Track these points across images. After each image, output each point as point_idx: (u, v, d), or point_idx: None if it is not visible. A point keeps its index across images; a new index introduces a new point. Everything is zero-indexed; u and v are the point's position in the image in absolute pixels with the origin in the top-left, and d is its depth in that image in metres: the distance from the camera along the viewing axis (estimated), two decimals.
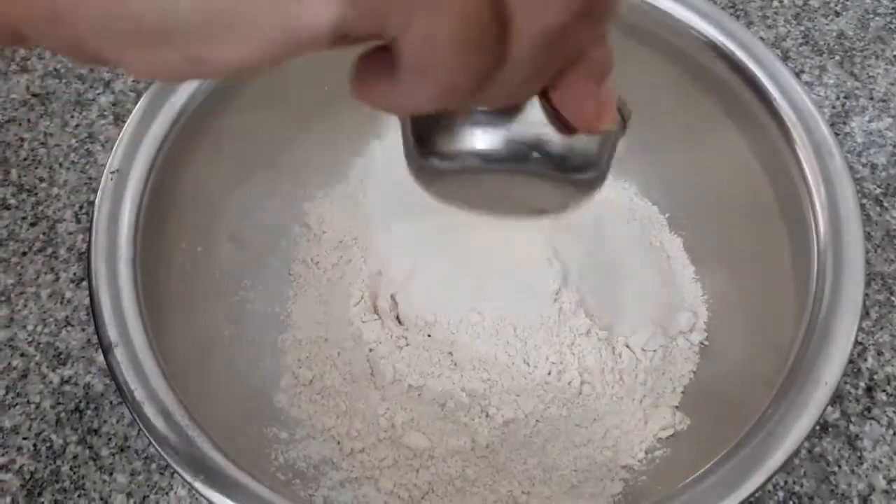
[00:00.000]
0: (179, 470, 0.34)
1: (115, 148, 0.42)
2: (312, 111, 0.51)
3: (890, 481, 0.47)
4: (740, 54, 0.45)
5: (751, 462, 0.34)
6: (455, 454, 0.43)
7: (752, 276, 0.46)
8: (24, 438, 0.48)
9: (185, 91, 0.44)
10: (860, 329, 0.37)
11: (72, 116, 0.59)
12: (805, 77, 0.61)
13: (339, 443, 0.45)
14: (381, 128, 0.54)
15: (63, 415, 0.48)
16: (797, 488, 0.46)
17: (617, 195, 0.51)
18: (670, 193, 0.51)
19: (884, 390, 0.49)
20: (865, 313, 0.48)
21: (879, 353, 0.50)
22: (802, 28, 0.64)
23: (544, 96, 0.25)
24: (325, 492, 0.42)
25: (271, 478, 0.39)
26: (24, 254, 0.53)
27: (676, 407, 0.45)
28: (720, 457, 0.35)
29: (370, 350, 0.46)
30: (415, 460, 0.43)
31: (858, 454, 0.47)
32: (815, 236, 0.40)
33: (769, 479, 0.33)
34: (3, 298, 0.52)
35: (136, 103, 0.44)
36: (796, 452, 0.34)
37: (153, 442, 0.35)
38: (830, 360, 0.36)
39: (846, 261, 0.39)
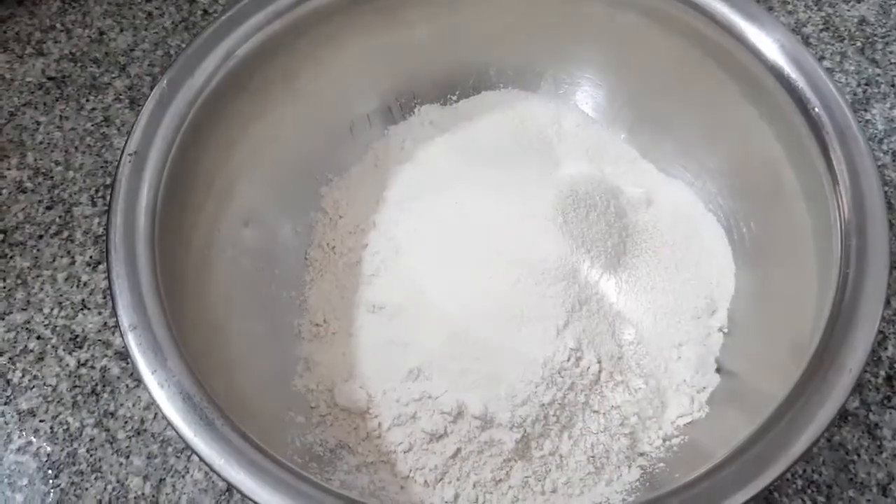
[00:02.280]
0: (197, 452, 0.34)
1: (132, 130, 0.42)
2: (326, 95, 0.51)
3: None
4: (763, 39, 0.44)
5: (773, 449, 0.33)
6: (471, 439, 0.43)
7: (775, 263, 0.46)
8: (41, 421, 0.48)
9: (201, 74, 0.44)
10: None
11: (87, 100, 0.59)
12: (825, 63, 0.60)
13: (355, 427, 0.44)
14: (396, 111, 0.54)
15: (80, 398, 0.48)
16: (816, 477, 0.46)
17: (640, 178, 0.51)
18: (692, 179, 0.51)
19: None
20: (886, 301, 0.47)
21: None
22: (823, 14, 0.63)
23: None
24: (342, 476, 0.42)
25: (288, 461, 0.39)
26: (41, 237, 0.53)
27: (695, 394, 0.44)
28: (741, 444, 0.34)
29: (385, 335, 0.46)
30: (431, 445, 0.43)
31: (878, 443, 0.47)
32: (838, 223, 0.39)
33: (791, 467, 0.33)
34: (19, 281, 0.52)
35: (151, 87, 0.44)
36: (818, 440, 0.34)
37: (171, 423, 0.35)
38: (854, 346, 0.35)
39: (870, 247, 0.38)
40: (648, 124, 0.53)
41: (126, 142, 0.42)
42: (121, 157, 0.41)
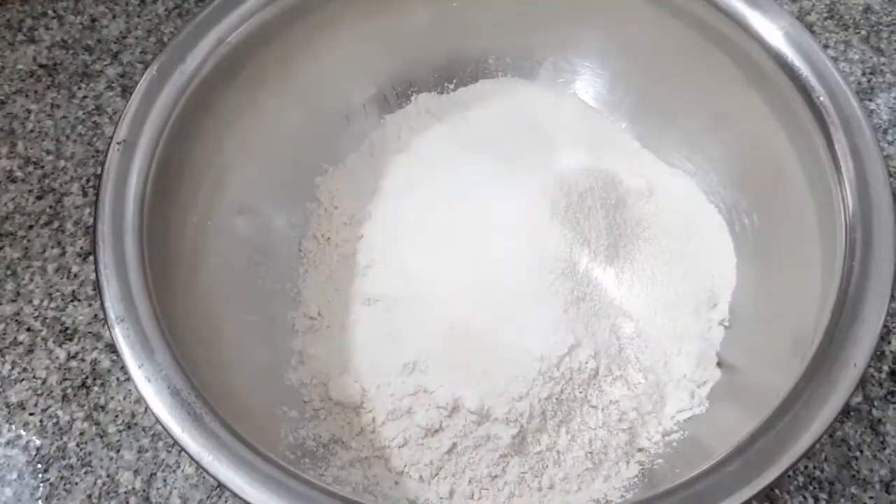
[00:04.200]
0: (185, 448, 0.34)
1: (122, 118, 0.41)
2: (321, 84, 0.50)
3: None
4: (766, 26, 0.44)
5: (775, 446, 0.33)
6: (467, 434, 0.42)
7: (777, 254, 0.45)
8: (31, 414, 0.47)
9: (193, 61, 0.43)
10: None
11: (79, 88, 0.58)
12: (829, 52, 0.59)
13: (349, 422, 0.44)
14: (392, 99, 0.53)
15: (70, 391, 0.48)
16: (818, 473, 0.45)
17: (641, 169, 0.50)
18: (694, 169, 0.50)
19: None
20: (891, 295, 0.46)
21: None
22: (827, 1, 0.62)
23: None
24: (335, 471, 0.41)
25: (280, 456, 0.38)
26: (31, 227, 0.53)
27: (696, 388, 0.44)
28: (743, 441, 0.33)
29: (380, 328, 0.45)
30: (426, 440, 0.42)
31: (881, 439, 0.46)
32: (842, 213, 0.39)
33: (795, 463, 0.32)
34: (9, 272, 0.51)
35: (144, 73, 0.43)
36: (822, 437, 0.33)
37: (159, 419, 0.34)
38: (859, 340, 0.35)
39: (875, 239, 0.37)
40: (649, 113, 0.52)
41: (115, 130, 0.41)
42: (109, 146, 0.40)
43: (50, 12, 0.62)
